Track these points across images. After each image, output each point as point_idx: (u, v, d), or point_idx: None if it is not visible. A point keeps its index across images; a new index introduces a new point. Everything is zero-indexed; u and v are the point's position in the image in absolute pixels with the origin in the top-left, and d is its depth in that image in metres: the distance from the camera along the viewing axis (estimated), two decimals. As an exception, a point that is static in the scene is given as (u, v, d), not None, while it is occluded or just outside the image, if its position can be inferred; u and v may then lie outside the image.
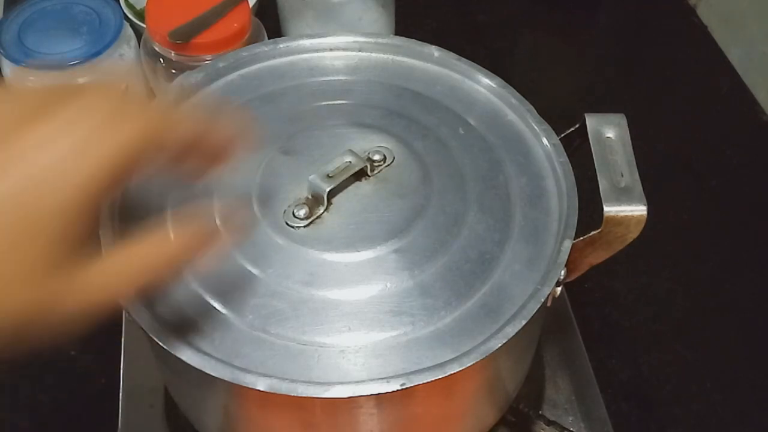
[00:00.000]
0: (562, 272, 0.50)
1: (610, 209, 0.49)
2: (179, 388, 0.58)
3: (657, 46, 0.98)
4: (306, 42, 0.61)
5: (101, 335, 0.69)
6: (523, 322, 0.46)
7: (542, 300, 0.48)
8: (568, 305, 0.70)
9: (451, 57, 0.61)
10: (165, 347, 0.45)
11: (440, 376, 0.44)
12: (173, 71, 0.74)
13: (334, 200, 0.51)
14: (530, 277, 0.50)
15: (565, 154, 0.54)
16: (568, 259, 0.50)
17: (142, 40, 0.76)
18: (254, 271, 0.49)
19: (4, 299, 0.35)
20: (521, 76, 0.93)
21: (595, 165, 0.51)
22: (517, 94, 0.58)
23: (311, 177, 0.51)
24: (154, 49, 0.73)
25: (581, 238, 0.50)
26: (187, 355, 0.45)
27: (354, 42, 0.62)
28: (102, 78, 0.76)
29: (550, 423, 0.62)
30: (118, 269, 0.40)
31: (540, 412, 0.64)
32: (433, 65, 0.61)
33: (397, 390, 0.44)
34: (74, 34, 0.76)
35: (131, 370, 0.66)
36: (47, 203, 0.35)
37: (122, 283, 0.40)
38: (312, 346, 0.47)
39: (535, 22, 1.01)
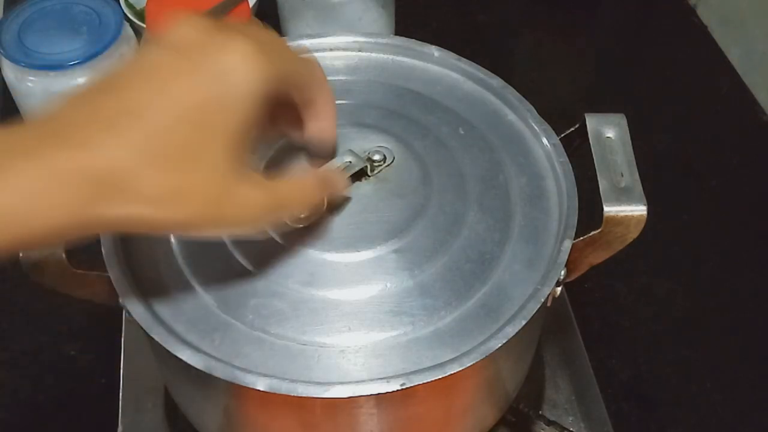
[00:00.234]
0: (562, 272, 0.50)
1: (610, 209, 0.49)
2: (179, 388, 0.58)
3: (657, 46, 0.98)
4: (306, 42, 0.61)
5: (101, 335, 0.70)
6: (523, 322, 0.46)
7: (542, 300, 0.48)
8: (568, 305, 0.70)
9: (451, 57, 0.61)
10: (165, 347, 0.45)
11: (440, 376, 0.44)
12: (173, 71, 0.74)
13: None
14: (530, 277, 0.50)
15: (565, 154, 0.54)
16: (568, 259, 0.50)
17: (142, 40, 0.76)
18: (254, 271, 0.49)
19: (191, 194, 0.38)
20: (521, 76, 0.93)
21: (595, 165, 0.51)
22: (517, 94, 0.58)
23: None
24: (154, 49, 0.73)
25: (581, 238, 0.50)
26: (186, 354, 0.45)
27: (354, 42, 0.62)
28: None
29: (550, 423, 0.62)
30: (266, 197, 0.43)
31: (540, 412, 0.64)
32: (434, 65, 0.61)
33: (397, 390, 0.44)
34: (74, 34, 0.76)
35: (131, 370, 0.66)
36: (229, 109, 0.39)
37: (265, 211, 0.43)
38: (312, 346, 0.47)
39: (535, 22, 1.01)
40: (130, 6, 0.86)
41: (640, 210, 0.49)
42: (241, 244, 0.49)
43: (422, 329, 0.47)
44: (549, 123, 0.56)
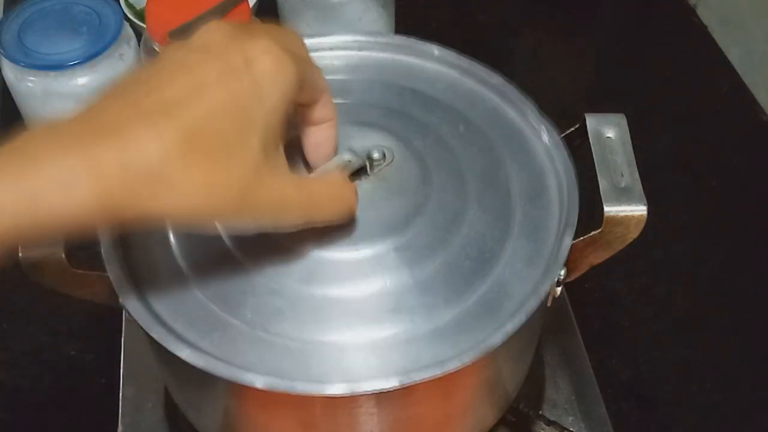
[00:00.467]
0: (563, 272, 0.50)
1: (610, 209, 0.49)
2: (179, 388, 0.58)
3: (657, 46, 0.98)
4: (306, 41, 0.61)
5: (101, 335, 0.70)
6: (524, 319, 0.46)
7: (542, 297, 0.48)
8: (568, 305, 0.70)
9: (450, 55, 0.61)
10: (164, 346, 0.45)
11: (439, 374, 0.44)
12: (173, 71, 0.74)
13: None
14: (530, 275, 0.50)
15: (565, 151, 0.54)
16: (568, 259, 0.50)
17: (142, 40, 0.76)
18: (252, 269, 0.49)
19: (224, 184, 0.39)
20: (521, 76, 0.93)
21: (595, 165, 0.51)
22: (517, 92, 0.58)
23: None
24: (154, 49, 0.73)
25: (581, 237, 0.50)
26: (186, 353, 0.45)
27: (354, 41, 0.62)
28: (103, 78, 0.76)
29: (550, 423, 0.62)
30: (299, 193, 0.44)
31: (540, 412, 0.64)
32: (433, 63, 0.61)
33: (396, 388, 0.44)
34: (74, 34, 0.76)
35: (131, 370, 0.66)
36: (261, 105, 0.40)
37: (298, 207, 0.44)
38: (311, 344, 0.47)
39: (535, 22, 1.01)
40: (130, 6, 0.86)
41: (640, 210, 0.49)
42: (239, 242, 0.49)
43: (422, 327, 0.47)
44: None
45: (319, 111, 0.48)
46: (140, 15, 0.84)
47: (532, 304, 0.47)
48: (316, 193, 0.46)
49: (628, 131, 0.53)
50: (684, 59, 0.96)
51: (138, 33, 0.80)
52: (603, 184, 0.50)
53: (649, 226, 0.50)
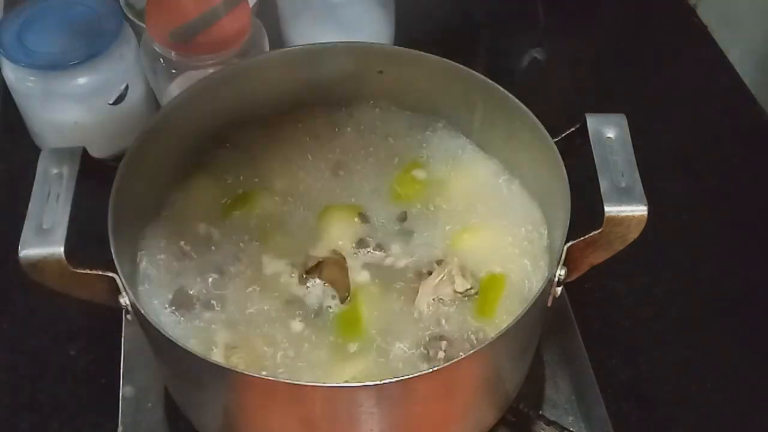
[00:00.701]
0: (562, 272, 0.50)
1: (610, 209, 0.49)
2: (179, 388, 0.58)
3: (657, 46, 0.98)
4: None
5: (101, 335, 0.70)
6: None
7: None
8: (568, 305, 0.70)
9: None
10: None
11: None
12: (173, 71, 0.74)
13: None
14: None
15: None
16: (568, 259, 0.50)
17: (142, 40, 0.76)
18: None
19: None
20: (521, 76, 0.93)
21: (596, 165, 0.51)
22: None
23: None
24: (154, 49, 0.73)
25: (582, 238, 0.50)
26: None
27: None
28: (103, 78, 0.76)
29: (550, 423, 0.62)
30: None
31: (540, 412, 0.64)
32: None
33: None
34: (74, 34, 0.76)
35: (131, 370, 0.66)
36: None
37: None
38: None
39: (535, 22, 1.01)
40: (130, 6, 0.85)
41: (640, 210, 0.49)
42: None
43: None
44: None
45: None
46: (140, 15, 0.84)
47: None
48: None
49: (628, 131, 0.53)
50: (684, 59, 0.96)
51: (138, 33, 0.80)
52: (603, 184, 0.50)
53: (649, 226, 0.50)
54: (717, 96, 0.92)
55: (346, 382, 0.51)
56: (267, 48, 0.76)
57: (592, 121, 0.54)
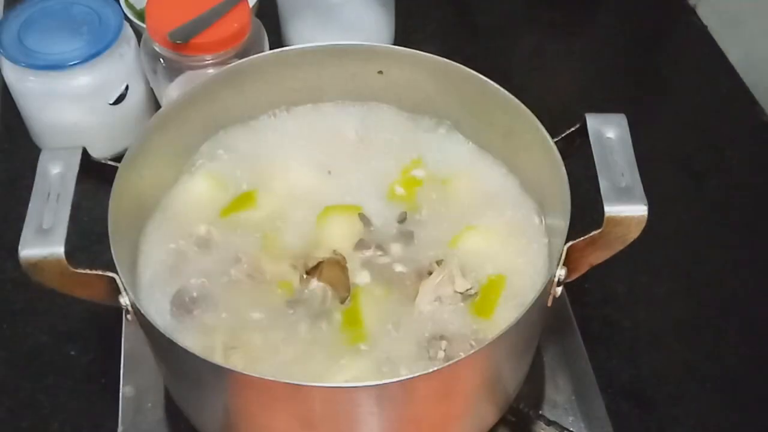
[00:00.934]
0: (562, 272, 0.50)
1: (610, 209, 0.49)
2: (179, 388, 0.58)
3: (657, 46, 0.98)
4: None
5: (101, 335, 0.70)
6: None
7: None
8: (568, 305, 0.70)
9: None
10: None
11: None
12: (173, 71, 0.74)
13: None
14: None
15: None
16: (568, 259, 0.50)
17: (142, 40, 0.76)
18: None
19: None
20: (521, 76, 0.93)
21: (596, 165, 0.51)
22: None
23: None
24: (154, 49, 0.73)
25: (582, 238, 0.50)
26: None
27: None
28: (103, 78, 0.76)
29: (550, 423, 0.62)
30: None
31: (540, 412, 0.64)
32: None
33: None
34: (74, 34, 0.76)
35: (131, 370, 0.66)
36: None
37: None
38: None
39: (535, 22, 1.01)
40: (130, 6, 0.86)
41: (640, 210, 0.49)
42: None
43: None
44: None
45: None
46: (140, 15, 0.84)
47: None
48: None
49: (628, 131, 0.53)
50: (684, 59, 0.96)
51: (138, 33, 0.80)
52: (603, 185, 0.50)
53: (649, 226, 0.49)
54: (717, 96, 0.92)
55: (346, 382, 0.51)
56: (267, 48, 0.76)
57: (592, 121, 0.54)
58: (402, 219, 0.61)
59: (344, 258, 0.57)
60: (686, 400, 0.68)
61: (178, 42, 0.70)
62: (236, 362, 0.53)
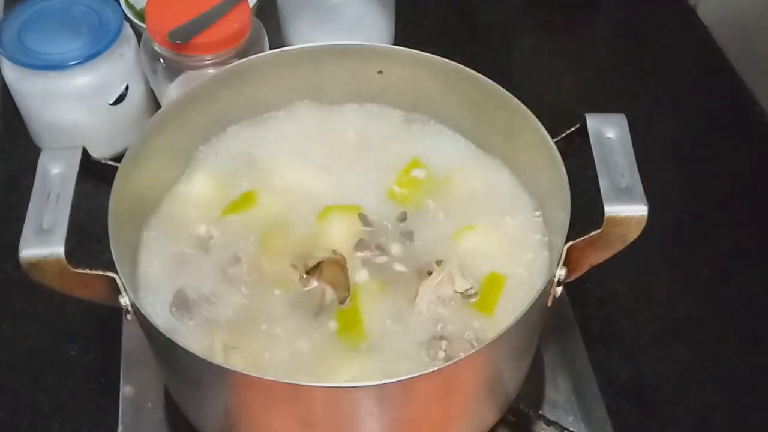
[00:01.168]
0: (562, 272, 0.50)
1: (610, 209, 0.49)
2: (179, 388, 0.58)
3: (657, 46, 0.98)
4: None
5: (101, 335, 0.70)
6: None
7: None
8: (568, 305, 0.70)
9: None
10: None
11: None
12: (173, 71, 0.74)
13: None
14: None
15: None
16: (568, 259, 0.50)
17: (142, 40, 0.76)
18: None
19: None
20: (521, 76, 0.93)
21: (596, 165, 0.51)
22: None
23: None
24: (154, 49, 0.73)
25: (582, 238, 0.50)
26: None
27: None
28: (103, 78, 0.76)
29: (550, 423, 0.62)
30: None
31: (540, 412, 0.64)
32: None
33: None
34: (74, 34, 0.76)
35: (131, 370, 0.66)
36: None
37: None
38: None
39: (535, 22, 1.01)
40: (130, 6, 0.86)
41: (640, 210, 0.49)
42: None
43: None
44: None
45: None
46: (140, 15, 0.84)
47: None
48: None
49: (628, 131, 0.53)
50: (684, 59, 0.96)
51: (138, 33, 0.80)
52: (603, 185, 0.50)
53: (649, 226, 0.49)
54: (717, 96, 0.92)
55: (346, 382, 0.51)
56: (267, 48, 0.76)
57: (592, 121, 0.54)
58: (402, 219, 0.61)
59: (344, 258, 0.57)
60: (686, 400, 0.68)
61: (178, 42, 0.70)
62: (236, 362, 0.53)
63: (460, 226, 0.60)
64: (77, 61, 0.74)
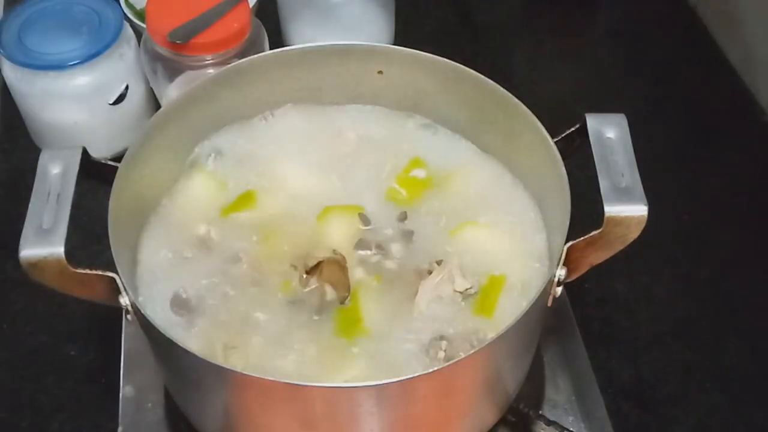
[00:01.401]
0: (562, 272, 0.50)
1: (610, 209, 0.49)
2: (179, 388, 0.58)
3: (657, 46, 0.98)
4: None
5: (101, 335, 0.70)
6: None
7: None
8: (568, 305, 0.70)
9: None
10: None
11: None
12: (173, 71, 0.74)
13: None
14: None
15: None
16: (568, 259, 0.50)
17: (142, 40, 0.76)
18: None
19: None
20: (521, 76, 0.93)
21: (596, 165, 0.51)
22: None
23: None
24: (154, 49, 0.73)
25: (582, 238, 0.50)
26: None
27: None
28: (103, 78, 0.76)
29: (550, 423, 0.62)
30: None
31: (540, 412, 0.64)
32: None
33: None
34: (74, 34, 0.76)
35: (131, 370, 0.66)
36: None
37: None
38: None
39: (535, 22, 1.01)
40: (130, 6, 0.86)
41: (640, 210, 0.49)
42: None
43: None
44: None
45: None
46: (140, 15, 0.84)
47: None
48: None
49: (628, 131, 0.53)
50: (684, 59, 0.96)
51: (138, 33, 0.80)
52: (603, 185, 0.50)
53: (650, 226, 0.49)
54: (717, 96, 0.92)
55: (346, 382, 0.51)
56: (267, 48, 0.76)
57: (592, 121, 0.54)
58: (402, 218, 0.61)
59: (344, 258, 0.57)
60: (686, 400, 0.68)
61: (178, 42, 0.70)
62: (236, 362, 0.53)
63: (460, 226, 0.60)
64: (77, 61, 0.74)
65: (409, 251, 0.59)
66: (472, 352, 0.47)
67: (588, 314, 0.71)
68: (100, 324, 0.70)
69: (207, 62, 0.72)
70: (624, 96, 0.91)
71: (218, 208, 0.62)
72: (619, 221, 0.49)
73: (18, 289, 0.73)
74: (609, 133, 0.53)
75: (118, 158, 0.56)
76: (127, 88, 0.78)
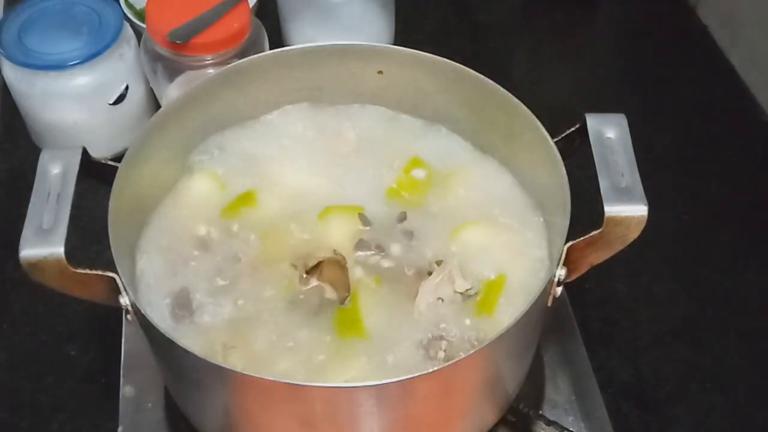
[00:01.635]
0: (562, 272, 0.50)
1: (610, 209, 0.49)
2: (179, 388, 0.58)
3: (657, 46, 0.98)
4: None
5: (101, 335, 0.70)
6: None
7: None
8: (568, 305, 0.70)
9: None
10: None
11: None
12: (173, 71, 0.74)
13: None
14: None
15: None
16: (568, 259, 0.50)
17: (142, 40, 0.76)
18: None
19: None
20: (521, 76, 0.93)
21: (596, 165, 0.51)
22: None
23: None
24: (154, 49, 0.73)
25: (582, 238, 0.50)
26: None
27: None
28: (103, 78, 0.76)
29: (550, 423, 0.62)
30: None
31: (540, 412, 0.64)
32: None
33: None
34: (74, 34, 0.76)
35: (131, 370, 0.66)
36: None
37: None
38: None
39: (535, 22, 1.01)
40: (130, 6, 0.86)
41: (640, 210, 0.49)
42: None
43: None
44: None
45: None
46: (140, 15, 0.84)
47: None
48: None
49: (628, 131, 0.53)
50: (684, 59, 0.96)
51: (138, 33, 0.80)
52: (603, 185, 0.50)
53: (650, 226, 0.49)
54: (717, 96, 0.92)
55: (346, 382, 0.51)
56: (267, 48, 0.76)
57: (592, 121, 0.54)
58: (402, 219, 0.61)
59: (344, 258, 0.57)
60: (686, 400, 0.68)
61: (178, 42, 0.70)
62: (236, 362, 0.53)
63: (460, 226, 0.60)
64: (77, 61, 0.74)
65: (409, 251, 0.59)
66: (472, 352, 0.47)
67: (588, 314, 0.72)
68: (100, 324, 0.70)
69: (207, 62, 0.72)
70: (624, 96, 0.91)
71: (218, 208, 0.62)
72: (619, 221, 0.49)
73: (18, 289, 0.73)
74: (609, 133, 0.53)
75: (118, 158, 0.56)
76: (127, 88, 0.78)
